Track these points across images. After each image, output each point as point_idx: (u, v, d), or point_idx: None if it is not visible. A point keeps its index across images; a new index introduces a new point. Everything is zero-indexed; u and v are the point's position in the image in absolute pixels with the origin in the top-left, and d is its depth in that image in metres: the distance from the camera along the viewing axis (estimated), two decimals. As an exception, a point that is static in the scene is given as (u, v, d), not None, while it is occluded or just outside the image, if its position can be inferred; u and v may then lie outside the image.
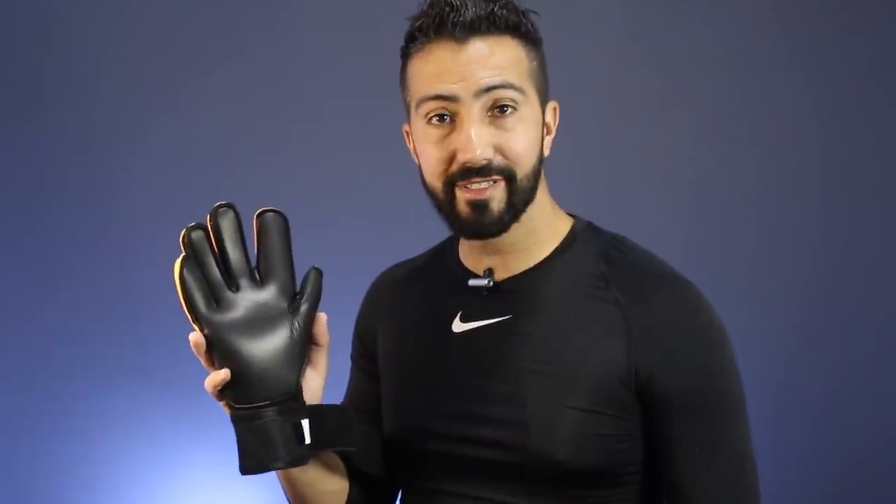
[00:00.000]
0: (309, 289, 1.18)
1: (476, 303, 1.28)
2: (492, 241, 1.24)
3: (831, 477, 2.72)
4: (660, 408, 1.20)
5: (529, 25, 1.23)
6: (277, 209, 1.18)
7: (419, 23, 1.20)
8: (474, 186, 1.19)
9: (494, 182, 1.19)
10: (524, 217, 1.23)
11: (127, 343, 2.80)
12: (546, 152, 1.26)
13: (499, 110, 1.19)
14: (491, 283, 1.27)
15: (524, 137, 1.20)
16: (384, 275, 1.45)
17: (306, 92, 2.81)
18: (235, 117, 2.81)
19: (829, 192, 2.74)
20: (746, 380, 1.25)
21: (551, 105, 1.27)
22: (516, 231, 1.24)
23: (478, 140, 1.17)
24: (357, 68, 2.78)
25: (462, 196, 1.20)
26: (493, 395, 1.23)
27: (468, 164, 1.18)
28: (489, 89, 1.18)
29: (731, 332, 1.25)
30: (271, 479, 1.40)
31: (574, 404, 1.19)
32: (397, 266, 1.44)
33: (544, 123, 1.25)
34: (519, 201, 1.21)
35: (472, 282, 1.28)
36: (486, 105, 1.19)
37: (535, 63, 1.23)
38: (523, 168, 1.20)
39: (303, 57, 2.81)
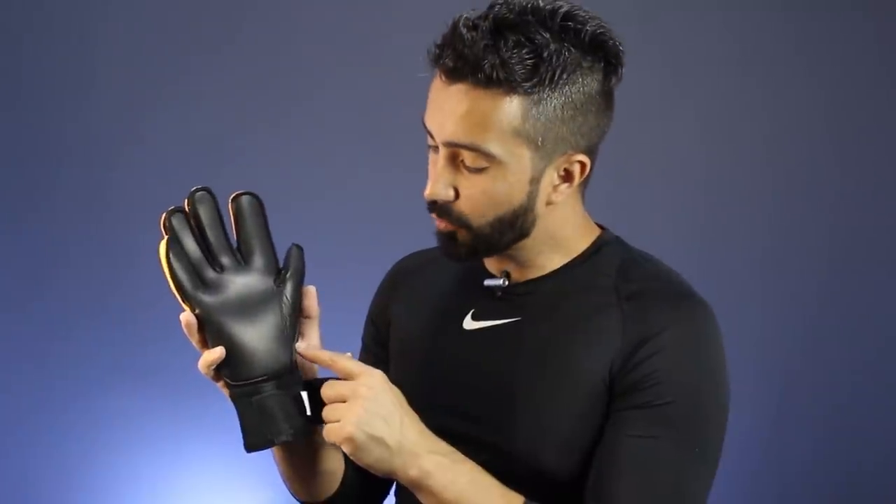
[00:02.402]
0: (292, 264, 1.20)
1: (489, 302, 1.27)
2: None
3: (834, 478, 2.71)
4: (625, 409, 1.16)
5: (551, 73, 1.13)
6: (251, 192, 1.19)
7: (434, 46, 1.16)
8: (436, 220, 1.21)
9: (455, 226, 1.20)
10: (528, 243, 1.22)
11: (124, 341, 2.79)
12: (554, 199, 1.20)
13: (462, 162, 1.17)
14: (506, 284, 1.26)
15: (484, 191, 1.17)
16: (405, 260, 1.44)
17: (306, 91, 2.80)
18: (235, 115, 2.80)
19: (839, 192, 2.74)
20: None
21: (574, 158, 1.19)
22: (525, 250, 1.24)
23: (433, 183, 1.18)
24: (358, 68, 2.77)
25: (435, 224, 1.22)
26: (487, 395, 1.24)
27: (427, 199, 1.20)
28: (452, 145, 1.16)
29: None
30: (272, 477, 1.39)
31: (564, 412, 1.19)
32: (418, 254, 1.43)
33: (543, 177, 1.18)
34: (486, 243, 1.21)
35: (487, 282, 1.28)
36: (454, 153, 1.17)
37: (544, 116, 1.14)
38: (483, 218, 1.19)
39: (303, 55, 2.80)
